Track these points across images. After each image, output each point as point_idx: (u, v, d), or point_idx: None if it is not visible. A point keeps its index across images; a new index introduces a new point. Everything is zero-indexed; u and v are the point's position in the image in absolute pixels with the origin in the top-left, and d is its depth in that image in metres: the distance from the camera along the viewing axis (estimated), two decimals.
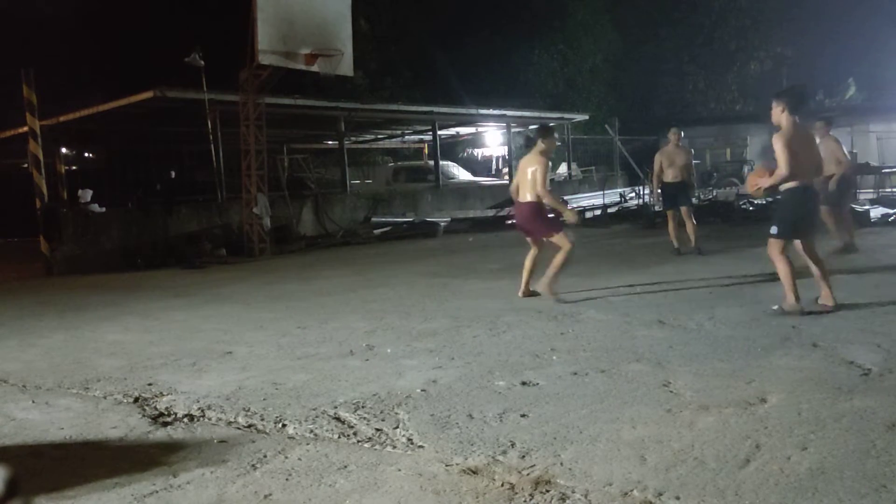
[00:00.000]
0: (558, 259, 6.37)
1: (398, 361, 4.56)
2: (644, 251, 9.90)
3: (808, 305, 5.33)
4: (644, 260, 8.88)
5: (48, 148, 13.29)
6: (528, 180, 6.48)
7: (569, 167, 23.35)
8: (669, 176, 9.09)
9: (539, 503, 2.54)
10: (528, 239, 6.77)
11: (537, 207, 6.53)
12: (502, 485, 2.69)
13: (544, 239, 6.62)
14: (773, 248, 5.36)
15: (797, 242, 5.42)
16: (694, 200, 10.57)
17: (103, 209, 12.64)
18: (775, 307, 5.38)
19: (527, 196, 6.51)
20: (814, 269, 5.41)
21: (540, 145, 6.51)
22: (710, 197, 17.20)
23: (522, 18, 29.47)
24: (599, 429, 3.19)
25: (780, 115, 5.32)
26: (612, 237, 12.43)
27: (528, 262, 6.71)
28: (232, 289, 8.44)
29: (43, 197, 11.29)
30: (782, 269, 5.31)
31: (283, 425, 3.47)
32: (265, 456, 3.10)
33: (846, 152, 8.67)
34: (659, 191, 9.33)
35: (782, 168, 5.18)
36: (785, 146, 5.15)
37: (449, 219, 15.92)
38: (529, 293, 6.61)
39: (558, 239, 6.44)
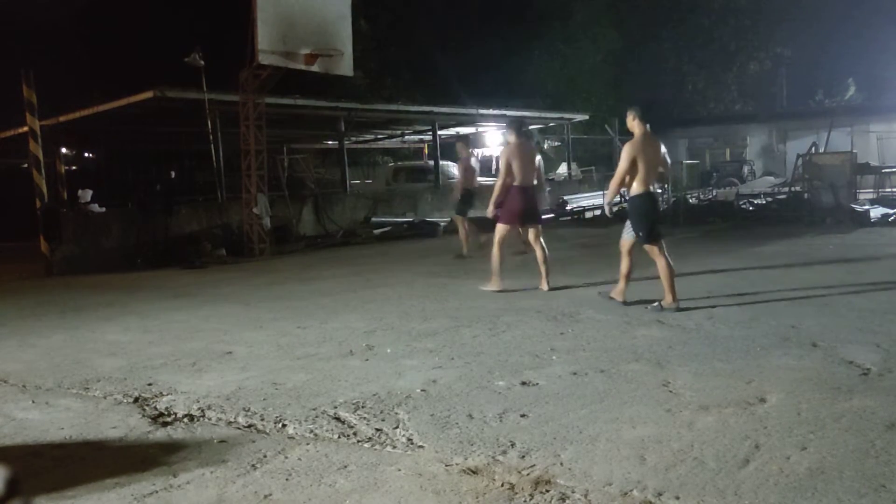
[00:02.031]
0: (542, 257, 6.96)
1: (398, 361, 4.56)
2: (643, 251, 9.90)
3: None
4: (643, 260, 8.86)
5: (48, 148, 13.28)
6: (536, 166, 7.05)
7: (569, 167, 23.35)
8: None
9: (539, 503, 2.55)
10: (522, 228, 7.12)
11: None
12: (502, 485, 2.69)
13: (538, 226, 7.05)
14: (624, 246, 5.94)
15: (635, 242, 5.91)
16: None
17: (103, 209, 12.63)
18: (655, 304, 5.76)
19: (533, 181, 6.99)
20: (623, 266, 5.99)
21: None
22: (710, 197, 17.19)
23: (523, 18, 29.50)
24: (599, 429, 3.19)
25: (632, 122, 5.83)
26: (612, 237, 12.42)
27: (541, 255, 6.98)
28: (232, 289, 8.44)
29: (43, 197, 11.28)
30: (624, 264, 5.92)
31: (283, 425, 3.48)
32: (265, 456, 3.10)
33: (475, 171, 10.21)
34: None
35: (618, 173, 5.76)
36: (631, 155, 5.64)
37: (449, 219, 15.90)
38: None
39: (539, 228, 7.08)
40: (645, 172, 5.68)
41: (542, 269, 6.94)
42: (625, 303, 5.93)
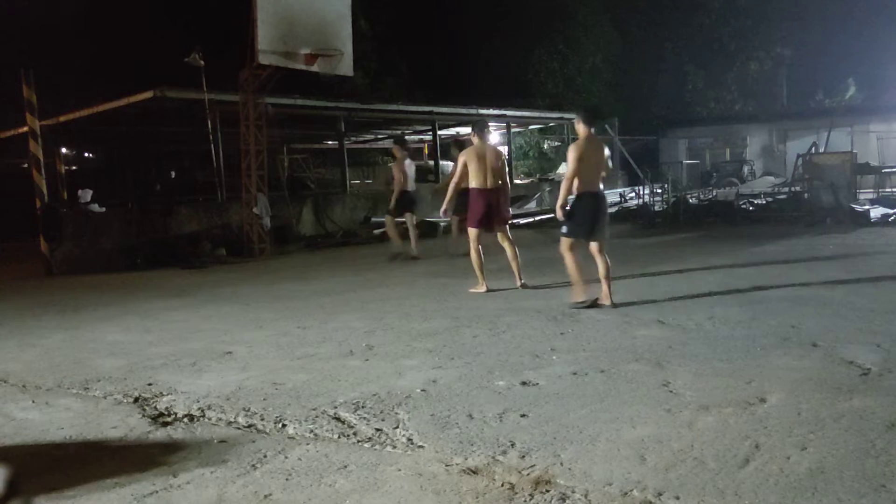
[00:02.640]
0: (512, 255, 7.05)
1: (398, 361, 4.56)
2: (643, 251, 9.91)
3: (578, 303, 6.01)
4: (643, 259, 8.88)
5: (48, 148, 13.28)
6: (500, 168, 6.99)
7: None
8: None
9: (539, 503, 2.55)
10: (489, 229, 7.03)
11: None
12: (502, 485, 2.69)
13: (503, 226, 7.15)
14: (563, 245, 6.12)
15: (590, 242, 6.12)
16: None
17: (103, 209, 12.63)
18: (573, 301, 5.99)
19: (498, 182, 7.00)
20: (599, 268, 6.01)
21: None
22: (710, 197, 17.18)
23: (523, 18, 29.49)
24: (599, 429, 3.19)
25: (577, 126, 6.13)
26: (612, 237, 12.41)
27: (511, 253, 7.08)
28: (232, 289, 8.44)
29: (43, 197, 11.28)
30: (569, 264, 6.06)
31: (283, 425, 3.48)
32: (265, 456, 3.10)
33: (406, 173, 10.19)
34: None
35: (567, 175, 6.00)
36: (576, 156, 5.92)
37: (449, 219, 15.89)
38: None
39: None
40: (588, 174, 5.95)
41: (514, 267, 7.03)
42: (614, 305, 5.88)
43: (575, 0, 29.06)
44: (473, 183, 6.95)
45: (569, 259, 6.06)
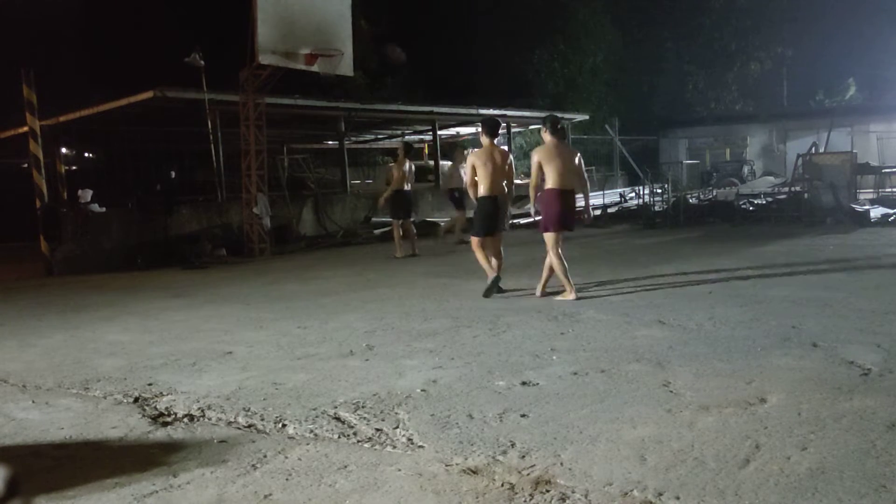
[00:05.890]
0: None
1: (398, 361, 4.56)
2: (644, 251, 9.91)
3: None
4: (644, 260, 8.88)
5: (48, 148, 13.28)
6: (575, 169, 6.48)
7: None
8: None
9: (539, 503, 2.54)
10: (559, 235, 6.46)
11: None
12: (502, 485, 2.69)
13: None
14: (474, 244, 6.90)
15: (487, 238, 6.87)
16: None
17: (103, 209, 12.63)
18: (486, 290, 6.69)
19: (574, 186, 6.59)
20: (493, 261, 6.84)
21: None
22: (711, 197, 17.18)
23: (523, 18, 29.48)
24: (599, 429, 3.19)
25: (482, 138, 6.82)
26: (612, 237, 12.44)
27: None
28: (232, 289, 8.44)
29: (43, 197, 11.28)
30: (479, 256, 6.82)
31: (283, 425, 3.47)
32: (265, 456, 3.10)
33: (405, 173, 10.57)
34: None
35: (469, 182, 6.88)
36: (469, 164, 6.77)
37: (449, 219, 15.90)
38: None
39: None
40: (487, 180, 6.67)
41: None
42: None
43: (575, 0, 29.04)
44: (550, 184, 6.40)
45: (479, 255, 6.82)
